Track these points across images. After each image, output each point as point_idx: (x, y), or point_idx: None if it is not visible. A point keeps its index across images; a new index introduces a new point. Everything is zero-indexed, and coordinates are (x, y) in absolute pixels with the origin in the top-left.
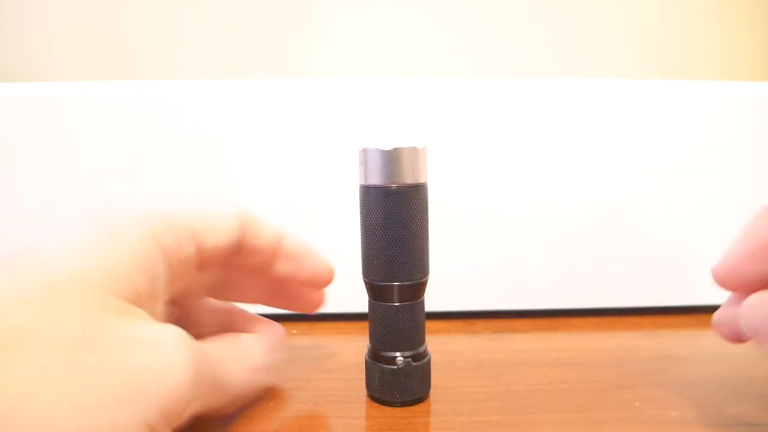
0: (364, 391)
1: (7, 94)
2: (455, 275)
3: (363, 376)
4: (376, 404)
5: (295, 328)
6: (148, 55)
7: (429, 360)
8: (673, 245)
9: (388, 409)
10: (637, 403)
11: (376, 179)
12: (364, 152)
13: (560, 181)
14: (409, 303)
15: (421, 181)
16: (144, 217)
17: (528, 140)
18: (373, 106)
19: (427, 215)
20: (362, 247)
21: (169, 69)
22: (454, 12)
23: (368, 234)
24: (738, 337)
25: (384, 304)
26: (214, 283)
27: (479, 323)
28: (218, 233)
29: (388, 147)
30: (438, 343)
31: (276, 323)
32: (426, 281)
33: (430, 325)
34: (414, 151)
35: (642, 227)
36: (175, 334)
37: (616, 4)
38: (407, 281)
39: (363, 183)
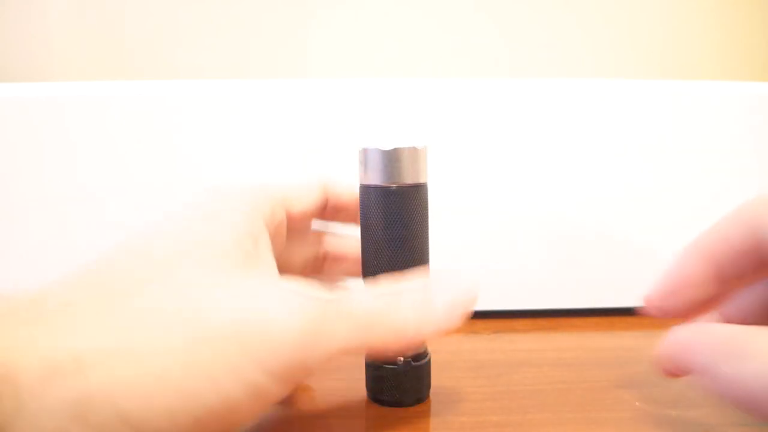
0: (364, 391)
1: (7, 94)
2: None
3: (363, 376)
4: (376, 404)
5: None
6: (148, 55)
7: (429, 360)
8: (673, 245)
9: (388, 409)
10: (637, 403)
11: (376, 179)
12: (364, 152)
13: (560, 181)
14: None
15: (422, 181)
16: (240, 188)
17: (528, 140)
18: (373, 106)
19: (427, 215)
20: (362, 247)
21: (169, 69)
22: (454, 12)
23: (368, 234)
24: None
25: None
26: (307, 258)
27: (479, 323)
28: (305, 199)
29: (388, 147)
30: (438, 343)
31: None
32: None
33: None
34: (414, 151)
35: (642, 227)
36: (291, 289)
37: (616, 4)
38: None
39: (363, 183)
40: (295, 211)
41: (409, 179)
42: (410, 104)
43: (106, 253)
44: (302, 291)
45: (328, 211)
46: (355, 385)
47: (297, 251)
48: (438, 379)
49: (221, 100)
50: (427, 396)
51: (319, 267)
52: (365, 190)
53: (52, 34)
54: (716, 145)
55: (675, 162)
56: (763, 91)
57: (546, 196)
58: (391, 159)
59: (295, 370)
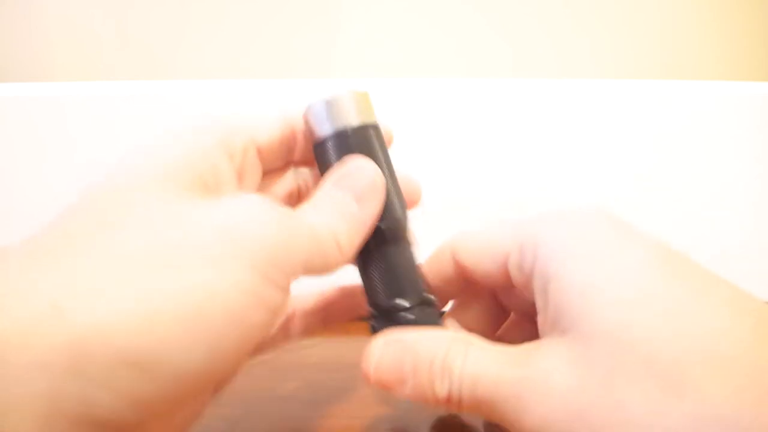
0: (364, 391)
1: (7, 94)
2: None
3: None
4: (376, 404)
5: None
6: (148, 55)
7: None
8: (673, 245)
9: (388, 408)
10: None
11: (327, 130)
12: (308, 109)
13: (560, 181)
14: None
15: (371, 121)
16: (197, 121)
17: (528, 140)
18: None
19: (389, 156)
20: None
21: (169, 69)
22: (454, 12)
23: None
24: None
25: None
26: (281, 197)
27: None
28: (267, 127)
29: (329, 96)
30: None
31: None
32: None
33: None
34: (354, 95)
35: (641, 226)
36: (256, 195)
37: (616, 4)
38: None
39: (315, 141)
40: (260, 137)
41: (358, 121)
42: (410, 104)
43: (60, 214)
44: (267, 201)
45: (298, 151)
46: (355, 385)
47: (268, 190)
48: None
49: (221, 100)
50: None
51: (293, 204)
52: (320, 146)
53: (52, 34)
54: (716, 145)
55: (675, 162)
56: (763, 91)
57: (546, 195)
58: (335, 105)
59: (280, 271)
